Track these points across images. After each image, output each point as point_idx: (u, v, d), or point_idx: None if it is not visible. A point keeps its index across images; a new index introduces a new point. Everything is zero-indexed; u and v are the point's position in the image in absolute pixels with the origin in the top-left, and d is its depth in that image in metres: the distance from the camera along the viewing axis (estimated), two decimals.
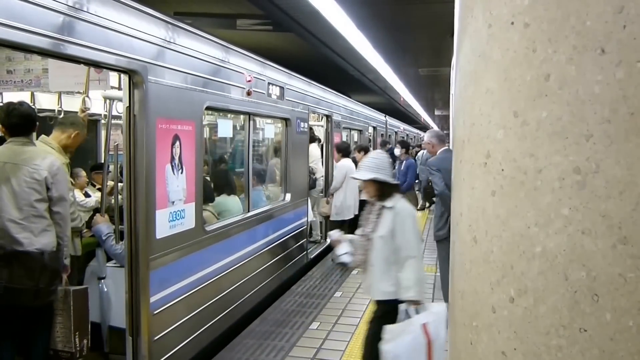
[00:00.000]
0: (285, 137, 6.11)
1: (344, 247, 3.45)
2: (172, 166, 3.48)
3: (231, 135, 6.00)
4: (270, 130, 6.34)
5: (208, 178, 5.17)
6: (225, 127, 5.79)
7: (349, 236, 3.58)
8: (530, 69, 0.96)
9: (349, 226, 6.95)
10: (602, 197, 0.88)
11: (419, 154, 13.18)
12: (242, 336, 4.45)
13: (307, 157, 6.92)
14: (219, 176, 5.58)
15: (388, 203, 3.19)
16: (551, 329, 0.94)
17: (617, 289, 0.87)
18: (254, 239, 5.00)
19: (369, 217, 3.30)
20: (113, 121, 3.90)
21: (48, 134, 3.71)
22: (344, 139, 9.30)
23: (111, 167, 4.57)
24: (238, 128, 5.66)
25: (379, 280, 3.18)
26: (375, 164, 3.24)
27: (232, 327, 4.50)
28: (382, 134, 14.21)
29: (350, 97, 10.39)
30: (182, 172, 3.60)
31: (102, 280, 3.71)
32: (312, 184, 7.42)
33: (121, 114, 3.29)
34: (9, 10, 2.28)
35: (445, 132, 14.27)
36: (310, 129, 7.29)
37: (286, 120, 6.01)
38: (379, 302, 3.27)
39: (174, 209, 3.53)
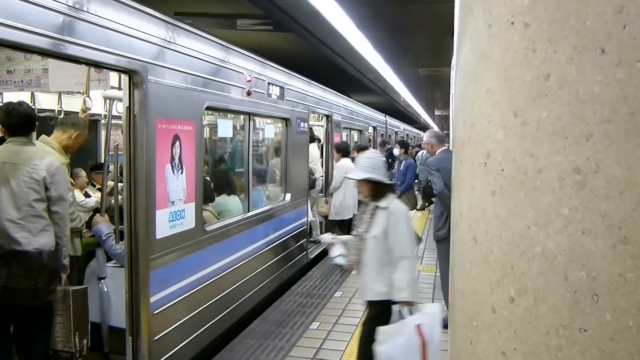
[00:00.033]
0: (285, 137, 6.11)
1: (338, 249, 3.42)
2: (172, 166, 3.48)
3: (231, 135, 5.99)
4: (270, 130, 6.34)
5: (208, 178, 5.17)
6: (226, 127, 5.78)
7: (342, 237, 3.56)
8: (530, 69, 0.96)
9: (348, 226, 6.96)
10: (602, 197, 0.88)
11: (419, 154, 13.18)
12: (242, 336, 4.45)
13: (307, 157, 6.92)
14: (219, 176, 5.58)
15: (382, 203, 3.16)
16: (551, 329, 0.94)
17: (617, 289, 0.87)
18: (254, 239, 5.00)
19: (363, 217, 3.27)
20: (113, 121, 3.90)
21: (48, 134, 3.70)
22: (344, 139, 9.30)
23: (111, 167, 4.56)
24: (238, 128, 5.65)
25: (372, 280, 3.15)
26: (369, 164, 3.21)
27: (232, 327, 4.50)
28: (382, 134, 14.21)
29: (350, 97, 10.39)
30: (182, 172, 3.60)
31: (102, 280, 3.71)
32: (312, 184, 7.42)
33: (121, 114, 3.29)
34: (9, 10, 2.28)
35: (445, 132, 14.30)
36: (310, 129, 7.29)
37: (286, 120, 6.01)
38: (372, 303, 3.24)
39: (174, 209, 3.53)
